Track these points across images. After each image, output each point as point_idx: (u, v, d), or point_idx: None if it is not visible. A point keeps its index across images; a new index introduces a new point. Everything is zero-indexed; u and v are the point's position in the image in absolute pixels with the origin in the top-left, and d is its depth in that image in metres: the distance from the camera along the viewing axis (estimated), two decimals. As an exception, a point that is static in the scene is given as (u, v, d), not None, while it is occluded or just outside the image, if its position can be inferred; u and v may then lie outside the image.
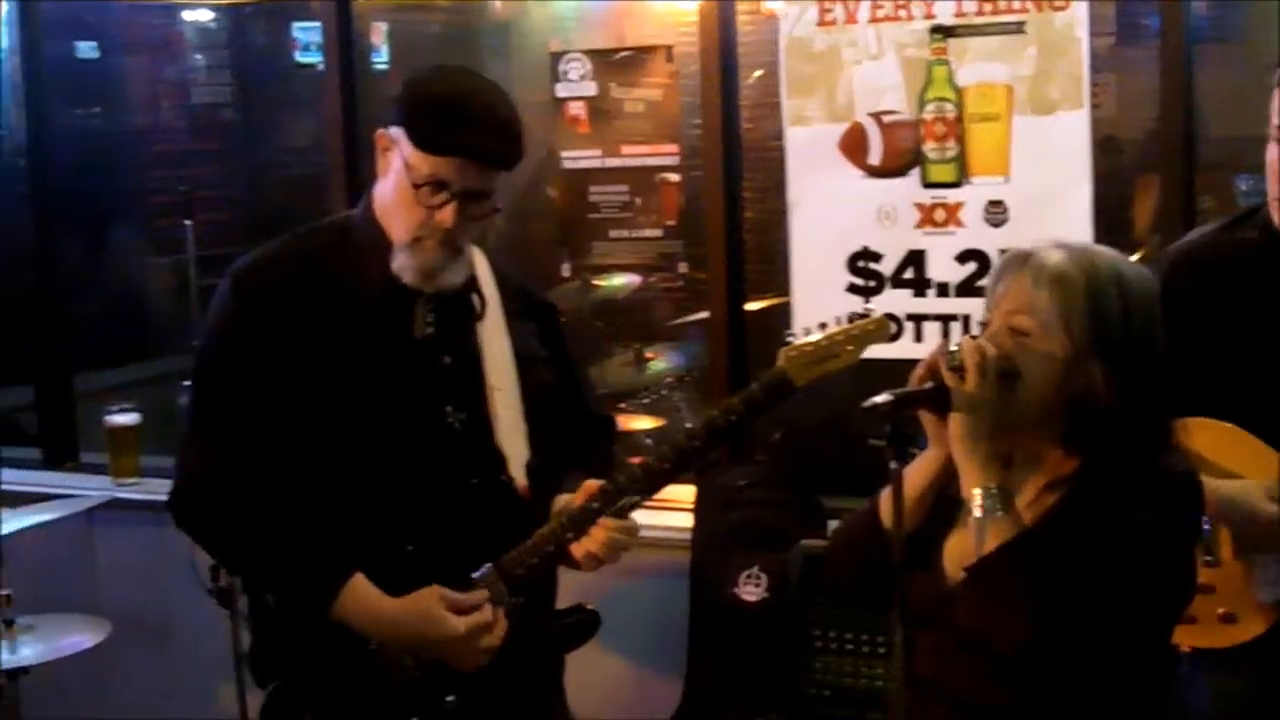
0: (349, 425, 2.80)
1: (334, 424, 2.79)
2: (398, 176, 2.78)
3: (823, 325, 2.73)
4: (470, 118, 2.73)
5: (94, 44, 6.36)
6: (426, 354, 2.87)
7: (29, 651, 4.24)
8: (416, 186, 2.74)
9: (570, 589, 2.99)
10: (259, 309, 2.82)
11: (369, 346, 2.82)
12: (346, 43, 4.99)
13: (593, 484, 2.82)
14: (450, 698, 2.81)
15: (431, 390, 2.87)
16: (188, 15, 6.59)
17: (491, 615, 2.80)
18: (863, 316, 2.70)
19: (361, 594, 2.77)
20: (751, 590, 4.14)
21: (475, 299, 2.93)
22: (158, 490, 4.96)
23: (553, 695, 3.10)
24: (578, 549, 2.82)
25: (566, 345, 3.15)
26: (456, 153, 2.72)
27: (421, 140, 2.73)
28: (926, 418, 2.45)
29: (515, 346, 2.96)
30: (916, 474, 2.48)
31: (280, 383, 2.78)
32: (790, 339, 2.74)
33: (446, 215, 2.75)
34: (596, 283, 4.92)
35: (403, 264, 2.81)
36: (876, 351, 2.70)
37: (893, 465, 2.29)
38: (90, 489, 5.05)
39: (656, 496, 2.86)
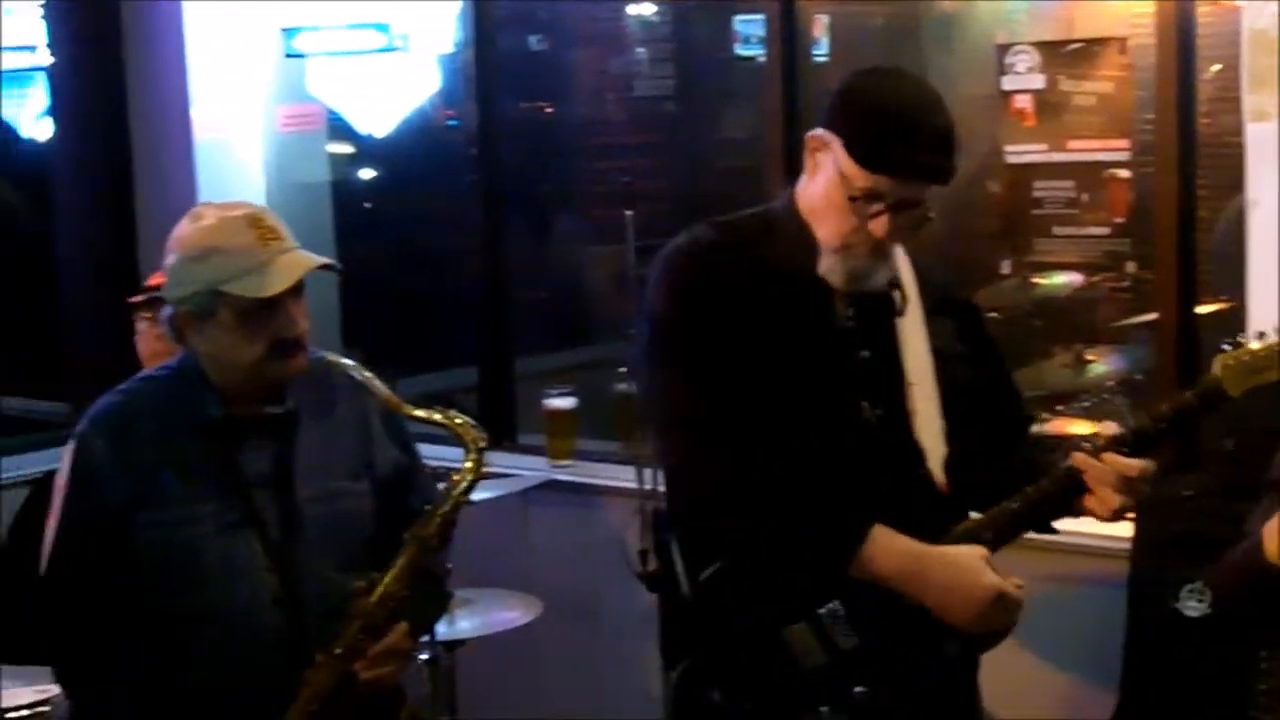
0: (770, 414, 2.79)
1: (758, 411, 2.78)
2: (829, 184, 2.76)
3: (1261, 334, 2.65)
4: (911, 135, 2.68)
5: (543, 37, 6.54)
6: (845, 348, 2.84)
7: (466, 624, 4.38)
8: (852, 199, 2.71)
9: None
10: (695, 298, 2.83)
11: (791, 338, 2.80)
12: (789, 35, 4.99)
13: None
14: (859, 689, 2.76)
15: (848, 384, 2.84)
16: (632, 9, 6.69)
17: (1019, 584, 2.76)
18: None
19: (888, 538, 2.75)
20: (1194, 605, 3.95)
21: (896, 295, 2.88)
22: (591, 473, 5.08)
23: (966, 695, 3.02)
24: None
25: (992, 345, 3.08)
26: (896, 171, 2.69)
27: (861, 157, 2.70)
28: None
29: (933, 343, 2.90)
30: None
31: (724, 365, 2.78)
32: (1226, 346, 2.65)
33: (880, 226, 2.73)
34: (1036, 280, 4.78)
35: (830, 267, 2.79)
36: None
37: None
38: (527, 469, 5.18)
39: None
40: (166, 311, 2.96)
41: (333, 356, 3.02)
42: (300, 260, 2.92)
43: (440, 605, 3.26)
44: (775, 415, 2.78)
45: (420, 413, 2.97)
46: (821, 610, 2.77)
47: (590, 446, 5.17)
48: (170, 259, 2.94)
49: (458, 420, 2.99)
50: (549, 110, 6.54)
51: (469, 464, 2.96)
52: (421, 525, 2.93)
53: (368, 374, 2.99)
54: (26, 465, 4.86)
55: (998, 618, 2.76)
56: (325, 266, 2.96)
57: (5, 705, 3.92)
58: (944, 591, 2.74)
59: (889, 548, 2.75)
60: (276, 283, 2.86)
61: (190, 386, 2.96)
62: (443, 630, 4.29)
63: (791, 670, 2.77)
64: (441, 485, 3.01)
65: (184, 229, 2.94)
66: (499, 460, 5.34)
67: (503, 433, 5.55)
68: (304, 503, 2.95)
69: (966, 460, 2.89)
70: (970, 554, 2.75)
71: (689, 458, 2.85)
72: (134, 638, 2.93)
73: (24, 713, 3.91)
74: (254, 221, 2.91)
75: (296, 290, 2.92)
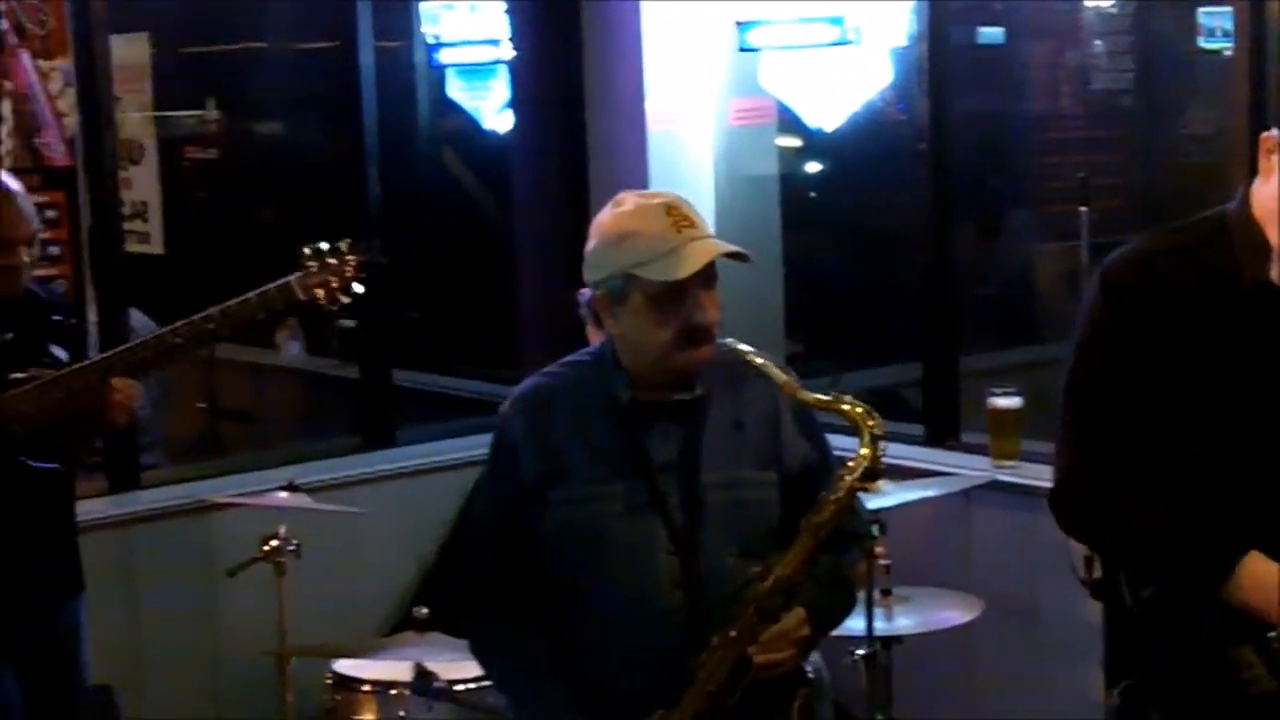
0: (1216, 416, 2.71)
1: (1202, 414, 2.71)
2: None
3: None
4: None
5: (998, 30, 6.43)
6: None
7: (904, 621, 4.36)
8: None
9: None
10: (1129, 309, 2.76)
11: (1231, 345, 2.71)
12: (1258, 29, 4.77)
13: None
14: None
15: None
16: (1089, 1, 6.53)
17: None
18: None
19: (1263, 568, 2.64)
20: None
21: None
22: (1036, 475, 4.96)
23: None
24: None
25: None
26: None
27: None
28: None
29: None
30: None
31: (1153, 378, 2.72)
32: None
33: None
34: None
35: None
36: None
37: None
38: (969, 468, 5.10)
39: None
40: (585, 296, 3.03)
41: (738, 344, 3.03)
42: (710, 247, 2.95)
43: (846, 606, 3.23)
44: (1198, 426, 2.71)
45: (815, 397, 2.97)
46: (1271, 633, 2.65)
47: (1036, 448, 5.06)
48: (590, 244, 3.01)
49: (853, 407, 2.96)
50: (1002, 104, 6.44)
51: (864, 451, 2.93)
52: (815, 512, 2.92)
53: (767, 359, 3.00)
54: (481, 447, 5.03)
55: None
56: (735, 254, 2.97)
57: (453, 677, 4.09)
58: None
59: (1263, 580, 2.63)
60: (685, 267, 2.89)
61: (605, 371, 3.03)
62: (881, 627, 4.27)
63: (1238, 696, 2.66)
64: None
65: (604, 215, 3.01)
66: (941, 459, 5.29)
67: (946, 431, 5.48)
68: (707, 488, 2.98)
69: None
70: None
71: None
72: (541, 613, 3.02)
73: (470, 685, 4.08)
74: (670, 209, 2.96)
75: (708, 280, 2.94)
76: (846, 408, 2.97)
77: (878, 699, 4.41)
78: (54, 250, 5.10)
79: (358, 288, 3.84)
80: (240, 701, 5.16)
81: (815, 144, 6.42)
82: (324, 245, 3.82)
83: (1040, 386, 5.25)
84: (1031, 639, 5.02)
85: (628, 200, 3.01)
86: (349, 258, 3.83)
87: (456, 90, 7.27)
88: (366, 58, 5.90)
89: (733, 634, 2.89)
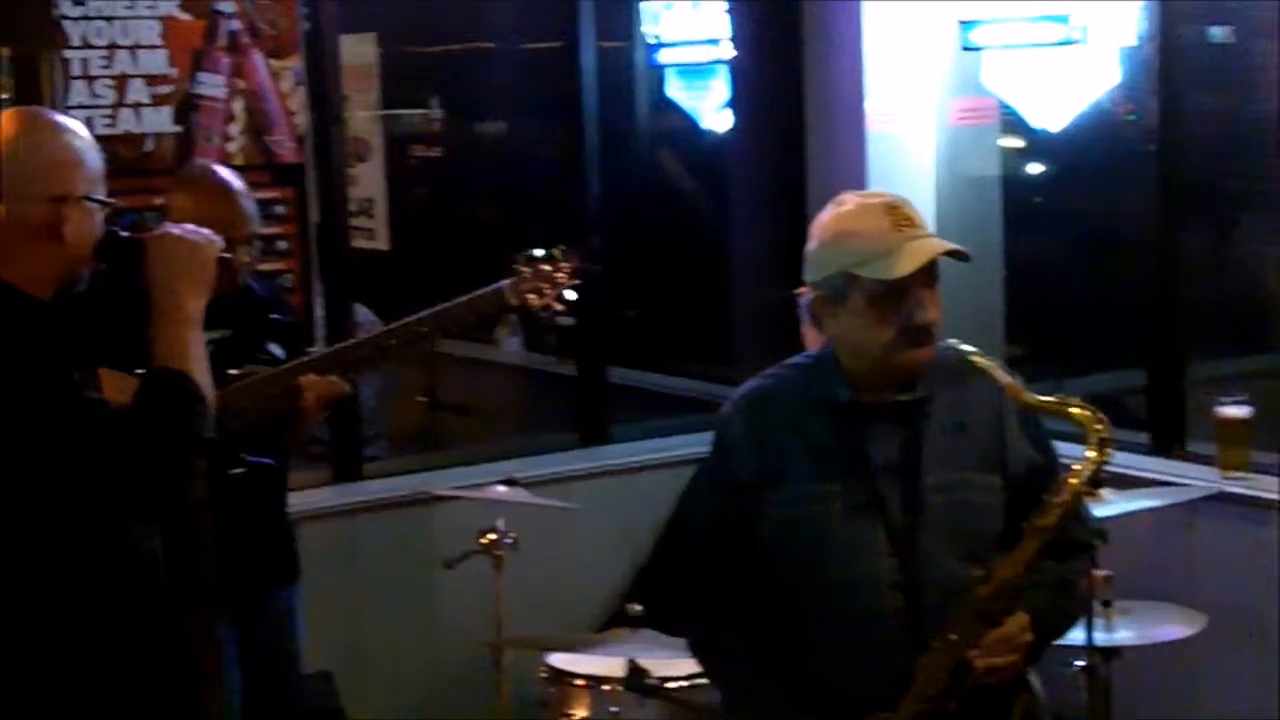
0: None
1: None
2: None
3: None
4: None
5: (1229, 29, 6.26)
6: None
7: (1125, 634, 4.26)
8: None
9: None
10: None
11: None
12: None
13: None
14: None
15: None
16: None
17: None
18: None
19: None
20: None
21: None
22: (1266, 487, 4.83)
23: None
24: None
25: None
26: None
27: None
28: None
29: None
30: None
31: None
32: None
33: None
34: None
35: None
36: None
37: None
38: (1196, 479, 4.97)
39: None
40: (806, 297, 3.02)
41: (960, 345, 2.99)
42: (931, 245, 2.93)
43: (1071, 614, 3.17)
44: None
45: (1040, 400, 2.93)
46: None
47: (1266, 459, 4.91)
48: (811, 244, 3.02)
49: (1080, 410, 2.90)
50: (1234, 104, 6.26)
51: (1090, 454, 2.88)
52: (1040, 515, 2.87)
53: (990, 361, 2.96)
54: (701, 444, 5.04)
55: None
56: (955, 253, 2.94)
57: (665, 674, 4.10)
58: None
59: None
60: (904, 266, 2.88)
61: (825, 372, 3.03)
62: (1101, 638, 4.18)
63: None
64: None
65: (825, 215, 3.02)
66: (1167, 468, 5.16)
67: (1171, 440, 5.35)
68: (928, 490, 2.95)
69: None
70: None
71: None
72: (758, 613, 3.02)
73: (682, 683, 4.09)
74: (890, 209, 2.95)
75: (929, 279, 2.92)
76: (1074, 410, 2.92)
77: (1096, 712, 4.32)
78: (282, 245, 5.24)
79: (570, 294, 3.87)
80: (457, 691, 5.24)
81: (1039, 144, 6.31)
82: (538, 251, 3.86)
83: (1271, 395, 5.11)
84: (1257, 656, 4.87)
85: (849, 200, 3.01)
86: (562, 264, 3.86)
87: (676, 90, 7.30)
88: (589, 58, 5.96)
89: (953, 637, 2.86)
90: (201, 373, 2.79)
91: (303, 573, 4.23)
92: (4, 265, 2.76)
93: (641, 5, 7.12)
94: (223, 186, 3.95)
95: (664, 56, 7.23)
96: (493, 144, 8.27)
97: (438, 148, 8.06)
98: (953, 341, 3.02)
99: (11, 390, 2.66)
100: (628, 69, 7.41)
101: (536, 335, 7.31)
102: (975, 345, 3.03)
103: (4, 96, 5.33)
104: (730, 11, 6.57)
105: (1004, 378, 2.93)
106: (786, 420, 3.03)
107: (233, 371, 3.76)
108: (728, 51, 6.65)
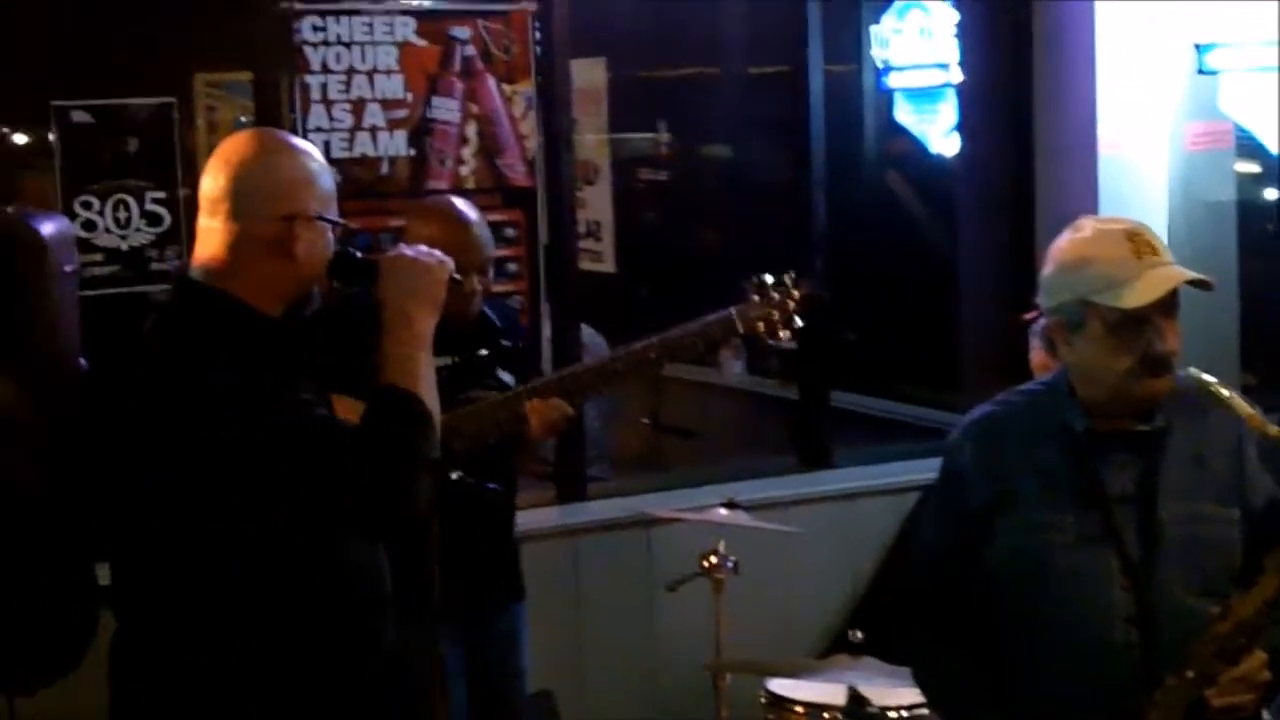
0: None
1: None
2: None
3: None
4: None
5: None
6: None
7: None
8: None
9: None
10: None
11: None
12: None
13: None
14: None
15: None
16: None
17: None
18: None
19: None
20: None
21: None
22: None
23: None
24: None
25: None
26: None
27: None
28: None
29: None
30: None
31: None
32: None
33: None
34: None
35: None
36: None
37: None
38: None
39: None
40: (1041, 323, 2.98)
41: (1201, 374, 2.92)
42: (1172, 274, 2.87)
43: None
44: None
45: None
46: None
47: None
48: (1047, 269, 2.97)
49: None
50: None
51: None
52: None
53: (1232, 392, 2.87)
54: (923, 470, 5.01)
55: None
56: (1197, 282, 2.87)
57: (887, 704, 4.07)
58: None
59: None
60: (1144, 295, 2.82)
61: (1059, 399, 2.98)
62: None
63: None
64: None
65: (1062, 241, 2.97)
66: None
67: None
68: (1166, 523, 2.88)
69: None
70: None
71: None
72: (985, 642, 2.98)
73: (904, 713, 4.06)
74: (1131, 236, 2.90)
75: (1169, 308, 2.86)
76: None
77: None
78: (512, 267, 5.32)
79: (798, 322, 3.87)
80: (676, 713, 5.25)
81: (1275, 170, 6.15)
82: (768, 277, 3.86)
83: None
84: None
85: (1087, 226, 2.97)
86: (793, 292, 3.85)
87: (904, 114, 7.27)
88: (816, 82, 5.95)
89: (1189, 674, 2.79)
90: (429, 393, 2.84)
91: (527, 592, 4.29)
92: (235, 280, 2.85)
93: (871, 29, 7.10)
94: (458, 214, 4.02)
95: (892, 80, 7.20)
96: (719, 167, 8.30)
97: (665, 171, 8.12)
98: (1192, 370, 2.95)
99: (241, 402, 2.74)
100: (855, 93, 7.40)
101: (759, 358, 7.32)
102: (1209, 373, 2.96)
103: (245, 119, 5.52)
104: (960, 35, 6.52)
105: (1245, 408, 2.86)
106: (1018, 448, 2.99)
107: (461, 396, 3.83)
108: (957, 75, 6.60)
